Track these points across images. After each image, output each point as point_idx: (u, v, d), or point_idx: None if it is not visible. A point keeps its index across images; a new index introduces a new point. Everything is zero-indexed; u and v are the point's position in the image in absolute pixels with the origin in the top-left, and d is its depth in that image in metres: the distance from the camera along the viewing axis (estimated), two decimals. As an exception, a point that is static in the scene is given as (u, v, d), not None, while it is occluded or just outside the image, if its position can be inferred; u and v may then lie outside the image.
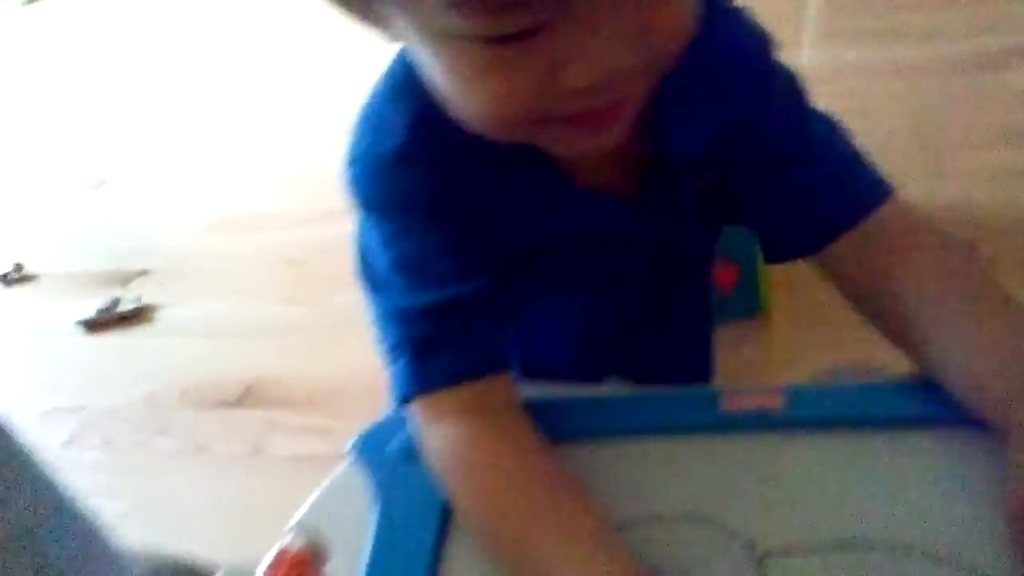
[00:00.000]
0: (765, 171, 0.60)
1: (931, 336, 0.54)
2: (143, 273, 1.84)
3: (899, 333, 0.57)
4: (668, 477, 0.55)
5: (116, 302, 1.74)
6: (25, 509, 0.78)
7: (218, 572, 1.00)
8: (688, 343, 0.80)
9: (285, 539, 0.56)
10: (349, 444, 0.60)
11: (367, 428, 0.60)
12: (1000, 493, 0.49)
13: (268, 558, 0.55)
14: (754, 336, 1.34)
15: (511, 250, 0.61)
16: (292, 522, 0.57)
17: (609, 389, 0.62)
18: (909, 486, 0.52)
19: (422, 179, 0.56)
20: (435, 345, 0.56)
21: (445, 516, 0.54)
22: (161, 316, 1.73)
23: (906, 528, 0.50)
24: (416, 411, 0.57)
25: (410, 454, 0.57)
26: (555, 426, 0.56)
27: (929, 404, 0.55)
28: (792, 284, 1.36)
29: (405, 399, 0.56)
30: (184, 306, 1.74)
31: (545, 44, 0.43)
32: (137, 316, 1.72)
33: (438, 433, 0.56)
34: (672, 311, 0.73)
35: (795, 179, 0.59)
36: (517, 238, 0.61)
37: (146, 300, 1.75)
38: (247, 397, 1.50)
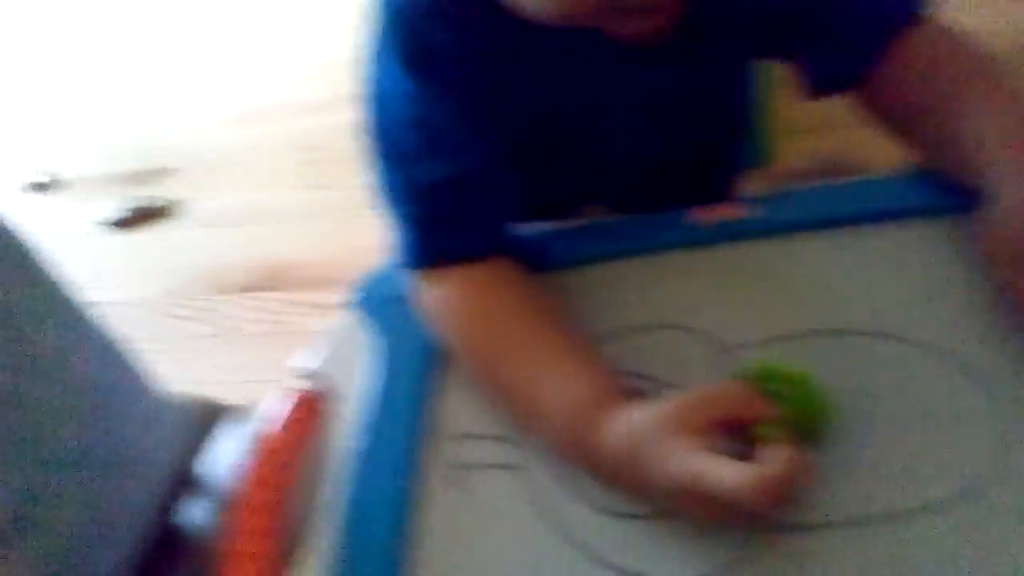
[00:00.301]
0: (805, 10, 0.59)
1: (958, 113, 0.54)
2: (165, 171, 1.87)
3: (933, 151, 0.57)
4: (644, 292, 0.57)
5: (141, 200, 1.77)
6: (56, 332, 0.83)
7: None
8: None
9: (297, 382, 0.60)
10: (350, 292, 0.63)
11: (366, 277, 0.64)
12: (982, 282, 0.51)
13: (281, 400, 0.59)
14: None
15: (537, 122, 0.62)
16: (303, 367, 0.61)
17: (589, 220, 0.65)
18: (879, 280, 0.54)
19: (453, 37, 0.57)
20: (439, 224, 0.58)
21: (444, 352, 0.58)
22: (185, 211, 1.77)
23: (878, 317, 0.52)
24: (416, 275, 0.60)
25: (405, 297, 0.60)
26: (540, 256, 0.59)
27: (896, 199, 0.57)
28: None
29: (407, 267, 0.60)
30: (207, 199, 1.77)
31: None
32: (162, 212, 1.76)
33: (435, 294, 0.59)
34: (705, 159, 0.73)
35: (835, 9, 0.58)
36: (544, 106, 0.62)
37: (170, 196, 1.78)
38: (271, 280, 1.54)
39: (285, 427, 0.57)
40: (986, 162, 0.51)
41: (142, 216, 1.76)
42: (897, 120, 0.59)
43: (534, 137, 0.63)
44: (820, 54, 0.60)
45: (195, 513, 0.91)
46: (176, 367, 1.45)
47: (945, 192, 0.56)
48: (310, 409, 0.58)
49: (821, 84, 0.61)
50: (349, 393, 0.58)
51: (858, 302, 0.53)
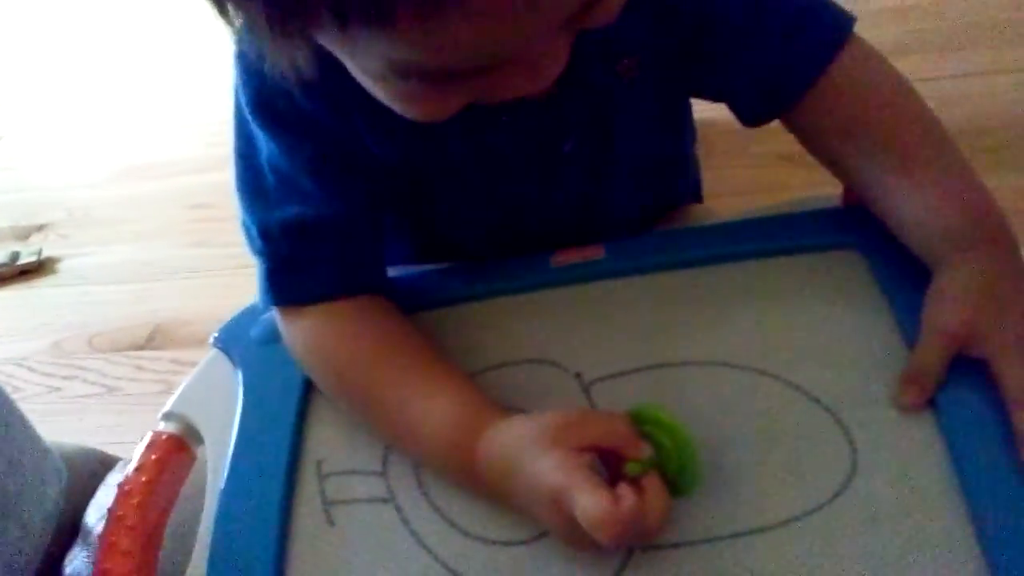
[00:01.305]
0: (723, 42, 0.59)
1: (885, 183, 0.57)
2: (43, 227, 1.82)
3: (858, 184, 0.59)
4: (509, 330, 0.60)
5: (16, 256, 1.72)
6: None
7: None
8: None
9: (158, 426, 0.60)
10: (212, 335, 0.64)
11: (230, 318, 0.65)
12: (825, 315, 0.55)
13: (142, 444, 0.59)
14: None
15: (393, 174, 0.62)
16: (164, 410, 0.61)
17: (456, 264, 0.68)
18: (726, 314, 0.58)
19: (298, 92, 0.55)
20: (291, 264, 0.59)
21: (307, 388, 0.59)
22: (64, 267, 1.72)
23: (724, 348, 0.56)
24: (277, 313, 0.60)
25: (271, 336, 0.61)
26: (409, 297, 0.62)
27: (749, 239, 0.61)
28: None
29: (265, 304, 0.60)
30: (87, 256, 1.73)
31: (491, 76, 0.43)
32: (39, 268, 1.71)
33: (294, 329, 0.59)
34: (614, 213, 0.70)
35: (753, 44, 0.58)
36: (397, 159, 0.61)
37: (48, 253, 1.73)
38: (157, 339, 1.52)
39: (138, 469, 0.57)
40: (927, 248, 0.54)
41: (16, 272, 1.71)
42: (820, 147, 0.61)
43: (394, 188, 0.63)
44: (746, 91, 0.60)
45: (79, 563, 0.89)
46: (57, 427, 1.41)
47: (796, 232, 0.61)
48: (167, 449, 0.59)
49: (752, 117, 0.62)
50: (212, 432, 0.59)
51: (704, 335, 0.57)
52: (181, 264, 1.66)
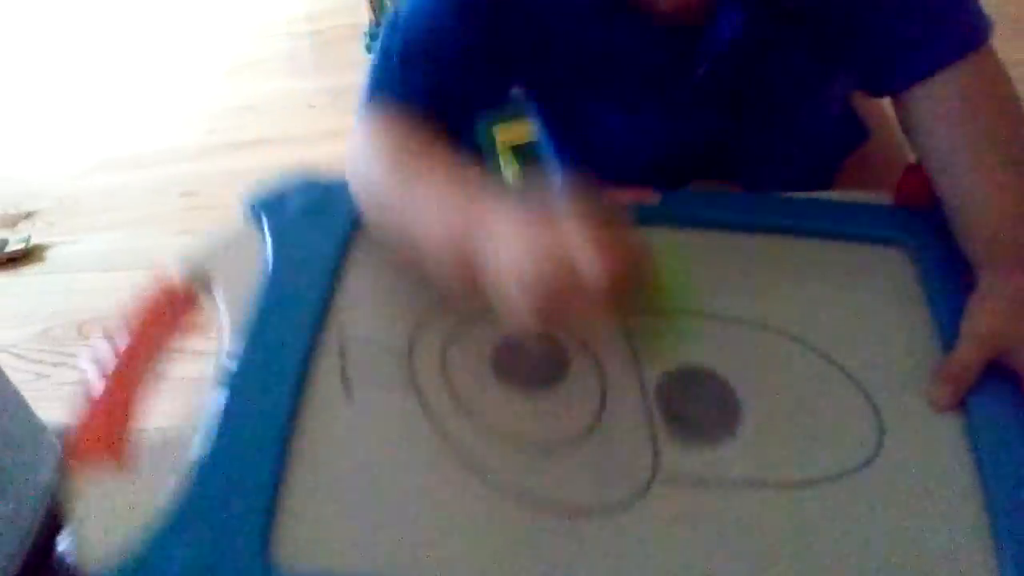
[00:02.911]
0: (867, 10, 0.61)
1: (971, 177, 0.58)
2: (31, 214, 1.80)
3: (943, 170, 0.60)
4: None
5: (3, 243, 1.70)
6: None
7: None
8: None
9: (170, 273, 0.57)
10: (246, 198, 0.62)
11: (266, 184, 0.63)
12: (869, 302, 0.57)
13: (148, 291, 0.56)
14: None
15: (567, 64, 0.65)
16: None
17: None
18: (778, 283, 0.59)
19: None
20: (409, 63, 0.62)
21: (340, 263, 0.58)
22: (52, 255, 1.70)
23: (769, 313, 0.56)
24: (363, 111, 0.63)
25: (307, 212, 0.61)
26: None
27: (810, 219, 0.62)
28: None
29: (365, 99, 0.63)
30: (76, 244, 1.72)
31: None
32: (27, 256, 1.69)
33: (371, 125, 0.62)
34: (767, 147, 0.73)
35: (891, 23, 0.61)
36: (572, 54, 0.65)
37: (36, 240, 1.72)
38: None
39: (133, 310, 0.55)
40: (983, 249, 0.57)
41: (3, 260, 1.69)
42: (923, 128, 0.62)
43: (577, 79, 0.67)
44: (876, 60, 0.63)
45: (69, 538, 0.89)
46: (46, 414, 1.40)
47: (850, 219, 0.62)
48: (178, 297, 0.57)
49: (878, 88, 0.65)
50: (229, 289, 0.56)
51: (751, 297, 0.58)
52: (170, 252, 1.65)
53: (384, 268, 0.58)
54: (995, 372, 0.52)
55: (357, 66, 1.37)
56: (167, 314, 0.56)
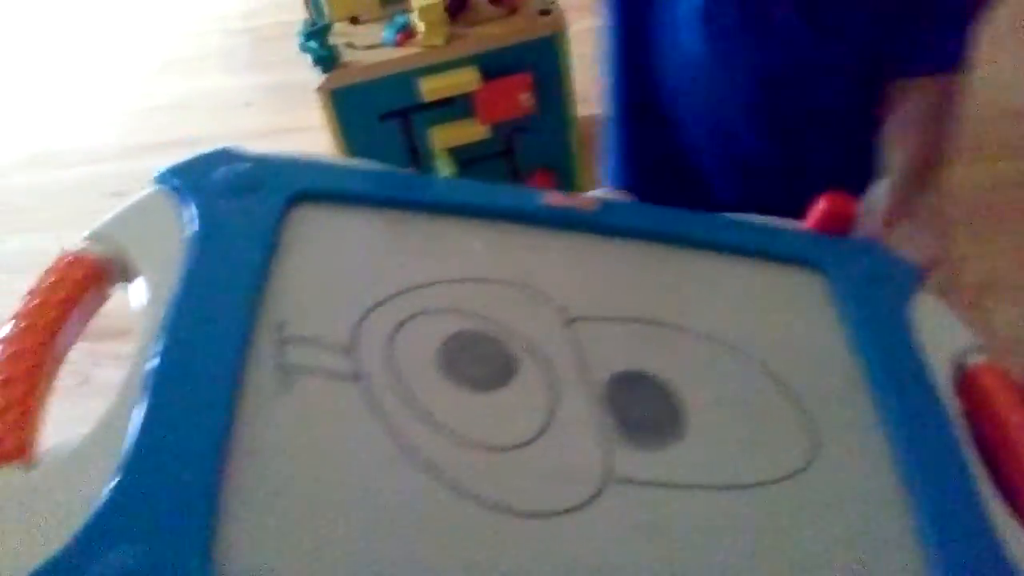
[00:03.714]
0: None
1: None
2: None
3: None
4: (495, 249, 0.59)
5: (-78, 242, 1.64)
6: None
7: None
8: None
9: (78, 247, 0.52)
10: (159, 173, 0.57)
11: (186, 159, 0.59)
12: (796, 318, 0.59)
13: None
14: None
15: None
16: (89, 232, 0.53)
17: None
18: (714, 296, 0.60)
19: None
20: None
21: (276, 245, 0.55)
22: (-25, 254, 1.65)
23: (707, 322, 0.57)
24: None
25: (235, 188, 0.57)
26: (407, 196, 0.61)
27: (739, 238, 0.63)
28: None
29: None
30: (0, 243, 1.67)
31: None
32: (-52, 256, 1.64)
33: None
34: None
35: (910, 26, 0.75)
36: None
37: (-42, 239, 1.66)
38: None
39: (36, 290, 0.49)
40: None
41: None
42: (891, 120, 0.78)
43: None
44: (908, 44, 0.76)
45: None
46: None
47: (776, 240, 0.64)
48: (83, 270, 0.51)
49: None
50: (154, 269, 0.51)
51: (688, 305, 0.58)
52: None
53: (323, 251, 0.56)
54: (917, 384, 0.54)
55: (293, 64, 1.35)
56: (73, 293, 0.50)
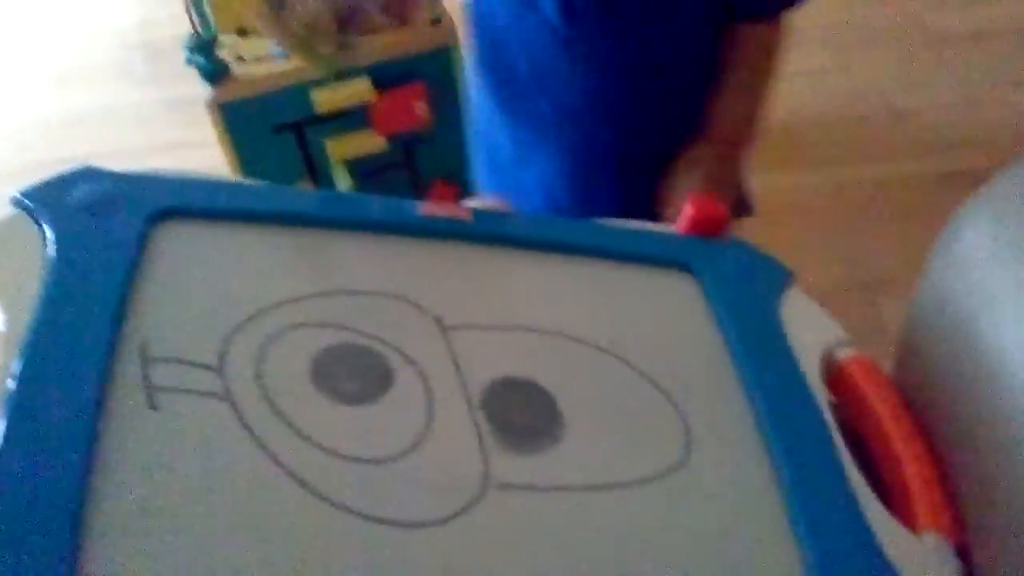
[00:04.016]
0: None
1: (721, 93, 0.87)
2: None
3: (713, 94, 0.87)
4: (372, 262, 0.59)
5: None
6: None
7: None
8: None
9: None
10: (16, 194, 0.55)
11: (44, 180, 0.57)
12: (665, 317, 0.61)
13: None
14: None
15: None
16: None
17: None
18: (585, 299, 0.61)
19: None
20: None
21: (136, 263, 0.53)
22: None
23: (578, 326, 0.58)
24: None
25: (95, 207, 0.56)
26: (279, 208, 0.61)
27: (609, 242, 0.65)
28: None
29: None
30: None
31: None
32: None
33: None
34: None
35: None
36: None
37: None
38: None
39: None
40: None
41: None
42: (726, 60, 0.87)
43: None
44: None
45: None
46: None
47: (646, 244, 0.65)
48: None
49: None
50: (8, 296, 0.50)
51: (561, 310, 0.59)
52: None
53: (189, 269, 0.55)
54: (788, 377, 0.56)
55: (189, 77, 1.33)
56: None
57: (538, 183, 0.91)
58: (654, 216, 0.77)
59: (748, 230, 0.83)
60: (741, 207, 0.96)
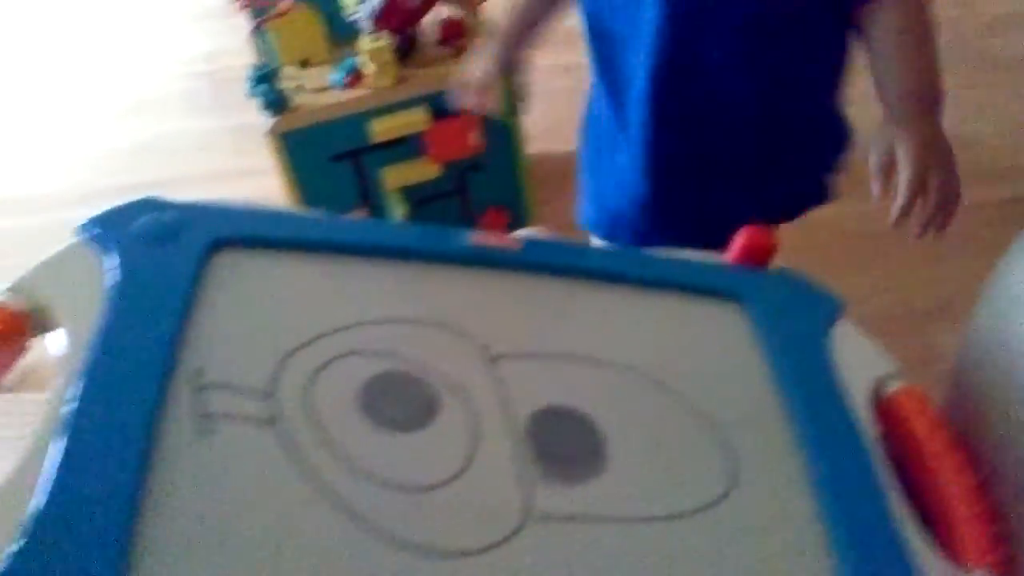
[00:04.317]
0: None
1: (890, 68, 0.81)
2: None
3: (876, 67, 0.82)
4: (417, 290, 0.60)
5: None
6: None
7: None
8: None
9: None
10: (81, 224, 0.58)
11: (109, 209, 0.60)
12: (715, 350, 0.61)
13: None
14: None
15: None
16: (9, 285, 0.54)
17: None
18: (633, 328, 0.61)
19: None
20: None
21: (195, 290, 0.55)
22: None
23: (628, 355, 0.58)
24: None
25: (156, 236, 0.58)
26: (325, 239, 0.62)
27: (657, 272, 0.65)
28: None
29: None
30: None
31: None
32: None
33: None
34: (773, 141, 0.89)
35: None
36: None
37: (-86, 289, 1.65)
38: (24, 383, 1.45)
39: None
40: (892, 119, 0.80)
41: None
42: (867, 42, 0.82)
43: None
44: None
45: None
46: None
47: (694, 274, 0.65)
48: (10, 328, 0.52)
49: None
50: (73, 325, 0.52)
51: (610, 339, 0.59)
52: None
53: (244, 297, 0.56)
54: (835, 410, 0.55)
55: (253, 107, 1.36)
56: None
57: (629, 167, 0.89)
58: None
59: (806, 255, 0.83)
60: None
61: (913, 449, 0.55)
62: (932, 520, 0.52)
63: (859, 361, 0.59)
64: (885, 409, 0.57)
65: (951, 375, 0.61)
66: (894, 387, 0.58)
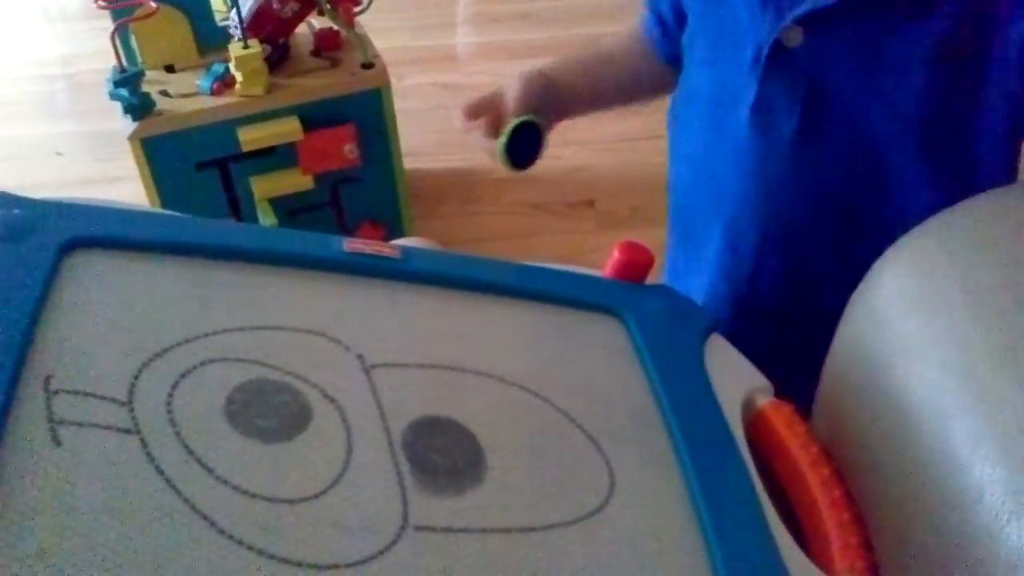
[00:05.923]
0: None
1: None
2: None
3: None
4: (289, 297, 0.58)
5: None
6: None
7: None
8: None
9: None
10: None
11: None
12: (591, 361, 0.61)
13: None
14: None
15: None
16: None
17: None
18: (509, 340, 0.61)
19: None
20: None
21: (45, 293, 0.52)
22: None
23: (502, 365, 0.58)
24: None
25: (5, 234, 0.54)
26: (207, 242, 0.59)
27: (536, 284, 0.65)
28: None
29: None
30: None
31: None
32: None
33: None
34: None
35: None
36: None
37: None
38: None
39: None
40: None
41: None
42: None
43: None
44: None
45: None
46: None
47: (574, 287, 0.65)
48: None
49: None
50: None
51: (485, 350, 0.59)
52: None
53: (100, 300, 0.54)
54: (710, 421, 0.56)
55: (111, 112, 1.31)
56: None
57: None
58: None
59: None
60: None
61: (782, 460, 0.57)
62: (802, 529, 0.53)
63: (731, 374, 0.60)
64: (756, 421, 0.59)
65: (818, 392, 0.63)
66: (763, 401, 0.59)
